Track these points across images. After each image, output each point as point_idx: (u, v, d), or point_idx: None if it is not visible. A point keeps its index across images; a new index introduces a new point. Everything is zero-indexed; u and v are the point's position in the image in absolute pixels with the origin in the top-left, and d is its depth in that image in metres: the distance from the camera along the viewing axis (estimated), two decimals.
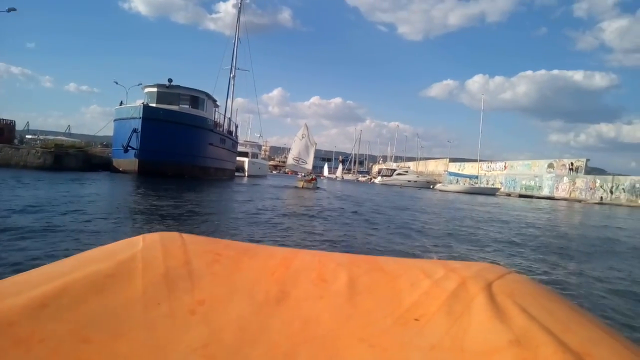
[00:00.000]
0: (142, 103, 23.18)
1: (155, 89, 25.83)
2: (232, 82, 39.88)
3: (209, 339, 0.65)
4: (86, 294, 0.69)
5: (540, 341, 0.62)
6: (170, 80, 25.75)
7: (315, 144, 29.35)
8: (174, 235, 0.92)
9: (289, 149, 30.50)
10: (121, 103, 24.92)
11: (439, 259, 1.36)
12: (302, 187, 25.55)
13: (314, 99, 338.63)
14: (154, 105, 24.44)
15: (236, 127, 39.27)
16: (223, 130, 32.47)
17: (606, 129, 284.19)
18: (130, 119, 22.89)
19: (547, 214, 20.36)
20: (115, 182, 17.66)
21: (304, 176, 27.99)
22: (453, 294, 0.76)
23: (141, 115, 22.53)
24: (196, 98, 27.18)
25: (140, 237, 0.89)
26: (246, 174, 42.35)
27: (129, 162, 23.07)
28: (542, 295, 0.79)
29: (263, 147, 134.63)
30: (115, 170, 23.89)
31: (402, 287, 0.80)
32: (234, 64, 39.77)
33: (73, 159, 22.81)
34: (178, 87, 26.25)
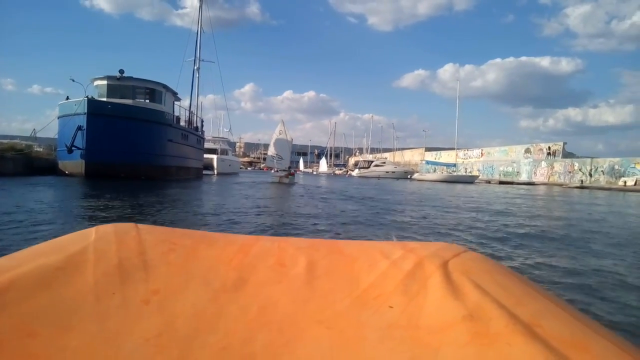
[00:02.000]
0: (87, 97, 20.34)
1: (105, 82, 23.08)
2: (196, 74, 37.94)
3: (163, 328, 0.65)
4: (34, 287, 0.68)
5: (493, 315, 0.64)
6: (121, 71, 23.00)
7: (292, 139, 30.11)
8: (129, 226, 0.92)
9: (264, 144, 33.07)
10: (67, 98, 21.94)
11: (399, 240, 1.22)
12: (280, 182, 25.37)
13: (287, 94, 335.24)
14: (103, 99, 21.85)
15: (202, 122, 36.57)
16: (188, 126, 29.99)
17: (573, 113, 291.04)
18: (74, 115, 20.05)
19: (541, 200, 18.90)
20: (52, 187, 15.12)
21: (278, 172, 27.63)
22: (410, 274, 0.78)
23: (86, 111, 19.77)
24: (152, 90, 24.46)
25: (93, 229, 0.88)
26: (215, 172, 39.80)
27: (74, 164, 20.30)
28: (497, 271, 0.81)
29: (237, 144, 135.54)
30: (61, 173, 21.11)
31: (360, 269, 0.82)
32: (197, 55, 37.81)
33: (10, 163, 19.91)
34: (131, 78, 23.51)
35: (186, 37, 37.50)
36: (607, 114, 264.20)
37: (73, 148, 19.70)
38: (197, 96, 38.38)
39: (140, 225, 0.94)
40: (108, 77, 23.04)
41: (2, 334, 0.59)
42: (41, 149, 25.90)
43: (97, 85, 23.39)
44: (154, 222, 7.99)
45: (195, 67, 37.75)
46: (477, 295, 0.70)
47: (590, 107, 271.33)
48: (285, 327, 0.67)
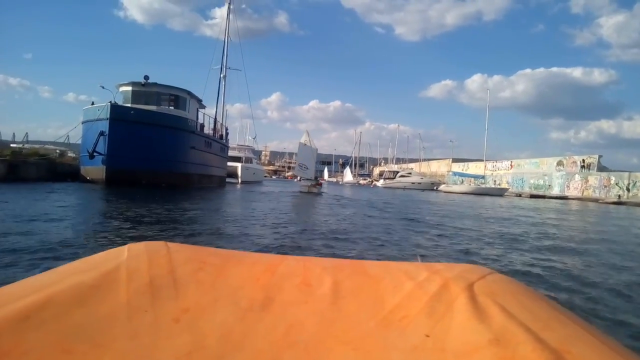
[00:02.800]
0: (110, 102, 20.18)
1: (129, 88, 22.99)
2: (222, 82, 38.32)
3: (193, 347, 0.66)
4: (69, 305, 0.70)
5: (520, 339, 0.63)
6: (146, 77, 22.89)
7: (317, 149, 30.57)
8: (160, 244, 0.94)
9: (289, 153, 34.15)
10: (92, 103, 21.86)
11: (424, 261, 1.23)
12: (308, 192, 26.18)
13: (313, 103, 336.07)
14: (128, 105, 21.71)
15: (227, 130, 36.29)
16: (213, 134, 29.77)
17: (606, 126, 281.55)
18: (97, 120, 19.90)
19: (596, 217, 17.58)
20: (72, 194, 14.86)
21: (304, 181, 28.61)
22: (435, 295, 0.77)
23: (108, 116, 19.59)
24: (176, 97, 24.26)
25: (125, 248, 0.91)
26: (240, 180, 39.52)
27: (96, 169, 20.09)
28: (523, 294, 0.80)
29: (263, 152, 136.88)
30: (83, 179, 21.01)
31: (385, 290, 0.82)
32: (224, 63, 38.09)
33: (33, 168, 19.91)
34: (155, 84, 23.35)
35: (214, 46, 37.65)
36: None
37: (95, 154, 19.52)
38: (224, 104, 38.57)
39: (170, 244, 0.96)
40: (133, 83, 22.97)
41: (40, 350, 0.60)
42: (74, 155, 25.94)
43: (122, 91, 23.34)
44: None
45: (222, 75, 38.22)
46: (504, 318, 0.69)
47: (625, 119, 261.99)
48: (312, 348, 0.67)
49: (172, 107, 23.86)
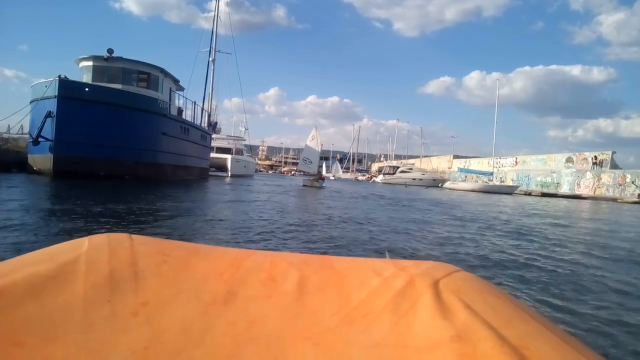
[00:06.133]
0: (59, 76, 16.34)
1: (90, 63, 19.47)
2: (211, 66, 35.59)
3: (150, 341, 0.64)
4: (22, 296, 0.68)
5: (481, 336, 0.63)
6: (110, 50, 19.30)
7: (321, 144, 31.41)
8: (123, 236, 0.91)
9: (286, 148, 31.65)
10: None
11: (392, 257, 1.22)
12: (311, 186, 27.08)
13: (311, 98, 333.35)
14: (87, 81, 18.34)
15: (209, 116, 32.72)
16: (194, 120, 26.29)
17: (604, 124, 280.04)
18: (44, 99, 16.32)
19: None
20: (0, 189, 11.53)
21: (308, 175, 30.19)
22: (400, 292, 0.77)
23: (57, 94, 15.96)
24: (147, 74, 20.71)
25: (86, 239, 0.87)
26: (229, 173, 36.22)
27: (43, 158, 16.59)
28: (487, 291, 0.80)
29: (260, 147, 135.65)
30: (30, 169, 17.59)
31: (350, 286, 0.81)
32: (213, 46, 35.19)
33: None
34: (121, 59, 19.76)
35: (209, 38, 35.19)
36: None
37: (40, 139, 16.01)
38: (212, 89, 35.49)
39: (134, 236, 0.92)
40: (94, 58, 19.45)
41: None
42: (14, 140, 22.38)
43: (82, 67, 19.88)
44: None
45: (210, 59, 35.59)
46: (467, 315, 0.69)
47: (623, 117, 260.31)
48: (273, 343, 0.66)
49: (143, 87, 20.35)
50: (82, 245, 0.84)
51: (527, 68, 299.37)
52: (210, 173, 33.02)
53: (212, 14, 35.25)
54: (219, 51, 36.04)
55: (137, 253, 0.84)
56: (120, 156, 17.87)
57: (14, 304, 0.65)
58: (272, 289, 0.80)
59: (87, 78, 19.30)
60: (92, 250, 0.82)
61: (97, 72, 19.34)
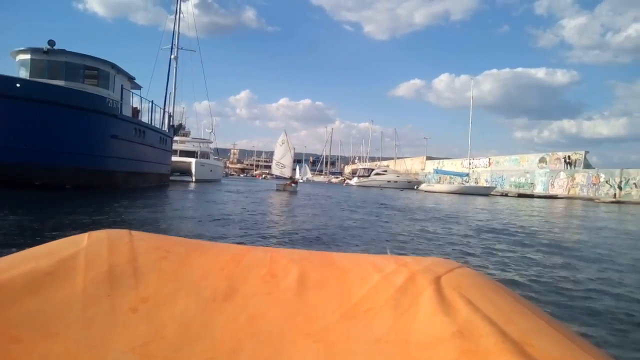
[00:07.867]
0: None
1: (28, 56, 16.96)
2: (173, 64, 33.24)
3: (150, 337, 0.64)
4: (20, 292, 0.67)
5: (483, 332, 0.63)
6: (51, 42, 16.83)
7: (294, 148, 30.85)
8: (123, 232, 0.90)
9: (258, 152, 30.13)
10: None
11: (393, 253, 1.16)
12: (284, 190, 26.28)
13: (283, 101, 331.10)
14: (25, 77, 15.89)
15: (170, 117, 30.15)
16: (152, 122, 23.86)
17: (568, 125, 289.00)
18: None
19: None
20: None
21: (282, 178, 29.97)
22: (401, 288, 0.76)
23: None
24: (96, 70, 18.27)
25: (85, 235, 0.86)
26: (193, 178, 33.86)
27: None
28: (489, 288, 0.79)
29: (232, 150, 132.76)
30: None
31: (352, 282, 0.80)
32: (175, 43, 32.89)
33: None
34: (64, 52, 17.25)
35: (181, 42, 33.18)
36: (601, 126, 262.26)
37: None
38: (175, 89, 33.06)
39: (134, 232, 0.91)
40: (32, 50, 16.90)
41: None
42: None
43: (19, 61, 17.32)
44: None
45: (173, 56, 33.19)
46: (468, 311, 0.68)
47: (585, 119, 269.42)
48: (273, 339, 0.66)
49: (90, 84, 17.86)
50: (82, 241, 0.83)
51: (494, 70, 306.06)
52: (173, 178, 30.58)
53: (180, 16, 32.91)
54: (181, 48, 33.59)
55: (137, 249, 0.83)
56: (59, 162, 15.39)
57: (13, 299, 0.65)
58: (273, 285, 0.79)
59: (24, 73, 16.74)
60: (91, 246, 0.81)
61: (35, 66, 16.81)
